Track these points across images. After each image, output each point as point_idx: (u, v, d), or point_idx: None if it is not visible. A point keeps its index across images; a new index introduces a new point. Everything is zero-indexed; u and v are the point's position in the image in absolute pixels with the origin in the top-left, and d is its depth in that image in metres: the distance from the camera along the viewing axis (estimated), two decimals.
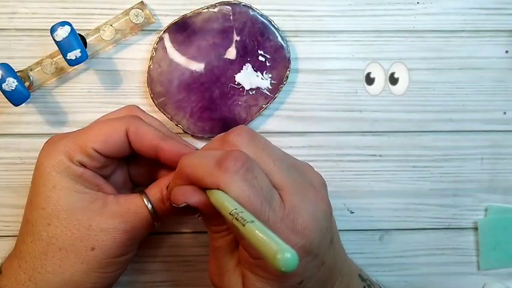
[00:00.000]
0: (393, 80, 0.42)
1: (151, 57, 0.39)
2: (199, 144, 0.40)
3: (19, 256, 0.33)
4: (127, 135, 0.34)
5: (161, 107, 0.40)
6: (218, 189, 0.28)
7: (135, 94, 0.40)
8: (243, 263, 0.30)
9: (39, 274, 0.32)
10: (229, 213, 0.26)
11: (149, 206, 0.34)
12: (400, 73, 0.42)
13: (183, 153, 0.33)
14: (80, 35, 0.37)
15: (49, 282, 0.32)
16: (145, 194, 0.34)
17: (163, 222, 0.35)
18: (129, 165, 0.38)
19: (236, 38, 0.40)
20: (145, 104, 0.40)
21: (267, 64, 0.40)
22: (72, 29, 0.36)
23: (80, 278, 0.32)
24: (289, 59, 0.40)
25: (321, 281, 0.31)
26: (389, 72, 0.42)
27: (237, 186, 0.28)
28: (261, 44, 0.40)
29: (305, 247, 0.28)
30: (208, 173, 0.29)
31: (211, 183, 0.28)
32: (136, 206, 0.34)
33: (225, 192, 0.28)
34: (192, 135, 0.40)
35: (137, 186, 0.39)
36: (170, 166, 0.35)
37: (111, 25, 0.39)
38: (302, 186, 0.31)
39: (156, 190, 0.34)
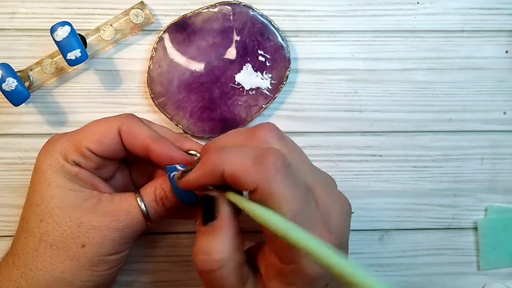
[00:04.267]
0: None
1: (151, 57, 0.39)
2: (200, 143, 0.40)
3: (13, 253, 0.33)
4: (120, 135, 0.34)
5: (161, 107, 0.40)
6: (257, 188, 0.27)
7: (135, 94, 0.40)
8: (269, 274, 0.30)
9: (30, 271, 0.32)
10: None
11: (142, 205, 0.33)
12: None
13: (172, 156, 0.33)
14: (80, 35, 0.37)
15: (40, 279, 0.32)
16: (140, 194, 0.34)
17: (156, 222, 0.35)
18: (131, 168, 0.38)
19: (236, 38, 0.40)
20: (145, 104, 0.40)
21: (267, 64, 0.40)
22: (72, 29, 0.36)
23: (70, 276, 0.32)
24: (289, 59, 0.40)
25: (339, 281, 0.31)
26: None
27: (279, 187, 0.27)
28: (261, 44, 0.40)
29: (339, 246, 0.28)
30: (246, 171, 0.27)
31: (251, 182, 0.27)
32: (130, 205, 0.33)
33: (266, 192, 0.27)
34: (192, 135, 0.40)
35: None
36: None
37: (111, 25, 0.39)
38: (328, 186, 0.31)
39: (150, 190, 0.34)
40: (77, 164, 0.33)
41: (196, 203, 0.33)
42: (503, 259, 0.42)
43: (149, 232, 0.40)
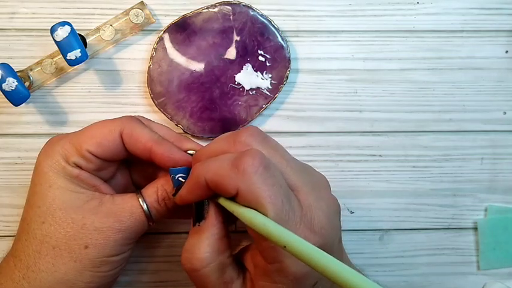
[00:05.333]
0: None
1: (151, 57, 0.39)
2: (200, 143, 0.40)
3: (14, 255, 0.33)
4: (122, 137, 0.34)
5: (161, 107, 0.40)
6: (238, 190, 0.28)
7: (135, 94, 0.40)
8: (256, 273, 0.30)
9: (32, 272, 0.32)
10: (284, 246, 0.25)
11: (144, 206, 0.34)
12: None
13: (175, 158, 0.33)
14: (80, 35, 0.37)
15: (42, 281, 0.32)
16: (141, 194, 0.34)
17: (158, 222, 0.35)
18: (131, 168, 0.38)
19: (236, 38, 0.40)
20: (145, 104, 0.40)
21: (267, 64, 0.40)
22: (72, 29, 0.36)
23: (73, 277, 0.32)
24: (289, 59, 0.40)
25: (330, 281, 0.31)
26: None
27: (257, 187, 0.27)
28: (261, 44, 0.40)
29: (323, 246, 0.28)
30: (226, 176, 0.28)
31: (231, 186, 0.28)
32: (132, 206, 0.33)
33: (247, 193, 0.27)
34: (192, 135, 0.40)
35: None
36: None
37: (111, 25, 0.39)
38: (314, 186, 0.31)
39: (152, 191, 0.34)
40: (78, 166, 0.33)
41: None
42: (503, 259, 0.43)
43: (150, 232, 0.40)
